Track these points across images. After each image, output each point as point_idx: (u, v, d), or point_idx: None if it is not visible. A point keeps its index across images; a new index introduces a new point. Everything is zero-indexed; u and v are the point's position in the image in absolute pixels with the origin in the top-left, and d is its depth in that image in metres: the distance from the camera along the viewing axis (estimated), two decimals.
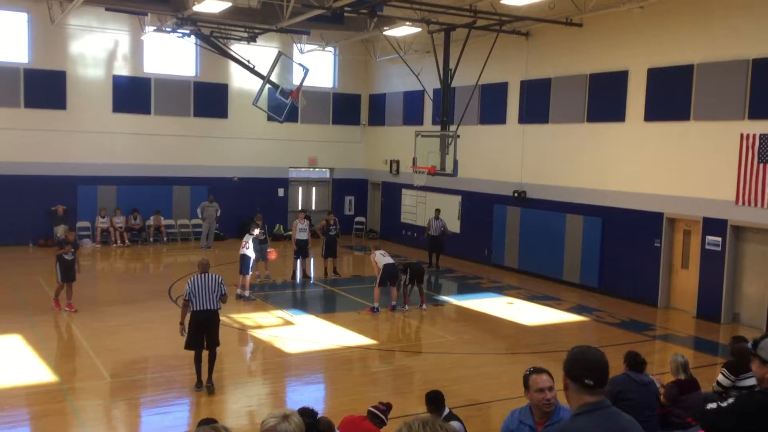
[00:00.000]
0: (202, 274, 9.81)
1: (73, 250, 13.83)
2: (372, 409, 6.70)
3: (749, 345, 3.94)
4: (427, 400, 6.99)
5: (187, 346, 9.73)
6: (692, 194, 15.20)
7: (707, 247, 14.95)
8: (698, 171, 15.07)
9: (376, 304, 14.80)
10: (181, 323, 9.87)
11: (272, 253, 16.87)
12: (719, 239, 14.70)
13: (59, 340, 12.20)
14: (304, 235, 17.93)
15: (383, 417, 6.67)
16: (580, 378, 3.13)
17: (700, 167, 15.02)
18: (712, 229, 14.82)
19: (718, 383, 8.09)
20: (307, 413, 5.56)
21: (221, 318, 10.20)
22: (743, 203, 14.13)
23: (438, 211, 21.09)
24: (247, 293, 15.50)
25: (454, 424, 6.64)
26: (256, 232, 16.00)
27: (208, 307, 9.63)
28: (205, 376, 9.75)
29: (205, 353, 9.74)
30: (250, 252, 15.58)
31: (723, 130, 14.52)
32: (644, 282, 16.27)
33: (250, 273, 15.67)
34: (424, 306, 15.28)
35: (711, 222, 14.85)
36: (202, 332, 9.66)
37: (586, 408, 3.12)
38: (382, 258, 15.08)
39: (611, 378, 7.07)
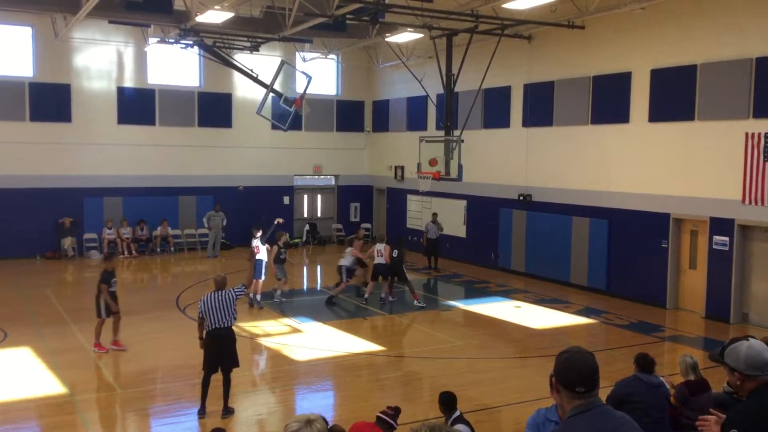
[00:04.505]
0: (217, 291, 9.36)
1: (114, 279, 12.20)
2: (380, 415, 6.68)
3: (716, 353, 3.91)
4: (440, 400, 7.04)
5: (203, 367, 9.38)
6: (698, 194, 15.16)
7: (715, 247, 14.90)
8: (704, 171, 15.03)
9: (366, 296, 16.21)
10: (200, 338, 9.42)
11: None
12: (727, 239, 14.65)
13: (68, 352, 12.21)
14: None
15: (392, 422, 6.65)
16: (572, 385, 3.17)
17: (706, 167, 14.98)
18: (720, 228, 14.77)
19: (728, 384, 8.05)
20: None
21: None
22: (750, 202, 14.08)
23: (435, 214, 21.61)
24: (258, 297, 15.53)
25: (461, 427, 6.65)
26: (259, 234, 15.93)
27: (222, 325, 9.20)
28: (219, 403, 9.24)
29: (219, 378, 9.25)
30: (262, 255, 15.59)
31: (728, 129, 14.48)
32: (652, 283, 16.21)
33: (263, 278, 15.67)
34: (416, 302, 15.93)
35: (718, 222, 14.80)
36: (217, 352, 9.22)
37: (578, 410, 3.17)
38: (375, 255, 16.14)
39: (621, 380, 7.09)
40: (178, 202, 23.92)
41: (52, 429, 9.01)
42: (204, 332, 9.34)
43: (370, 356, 12.27)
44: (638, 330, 14.16)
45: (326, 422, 5.85)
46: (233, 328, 9.46)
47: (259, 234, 15.88)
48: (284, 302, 16.13)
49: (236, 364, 9.39)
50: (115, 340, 12.18)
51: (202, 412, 9.21)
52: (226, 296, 9.33)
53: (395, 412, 6.75)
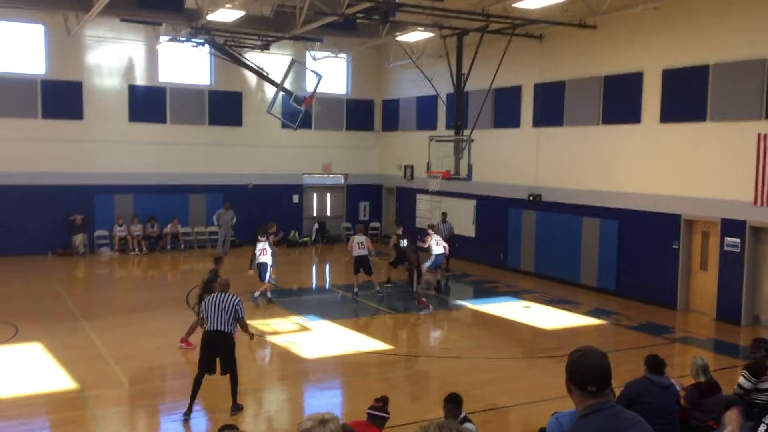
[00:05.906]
0: (220, 294, 9.35)
1: None
2: (370, 411, 6.64)
3: (764, 350, 3.88)
4: (445, 401, 7.01)
5: (198, 366, 9.24)
6: (710, 195, 15.08)
7: (726, 248, 14.81)
8: (715, 172, 14.95)
9: (355, 289, 16.28)
10: (192, 330, 9.46)
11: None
12: (738, 240, 14.56)
13: (78, 348, 12.27)
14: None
15: (383, 414, 6.62)
16: (584, 384, 3.17)
17: (718, 168, 14.89)
18: (731, 230, 14.68)
19: (739, 386, 8.01)
20: None
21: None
22: (762, 204, 13.99)
23: (444, 214, 21.14)
24: (257, 294, 15.50)
25: (470, 426, 6.64)
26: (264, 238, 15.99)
27: (219, 329, 9.11)
28: (228, 401, 9.23)
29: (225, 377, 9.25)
30: (267, 258, 15.62)
31: (740, 130, 14.39)
32: (662, 284, 16.13)
33: (268, 281, 15.70)
34: (420, 307, 15.58)
35: (729, 223, 14.71)
36: (213, 354, 9.20)
37: (590, 409, 3.17)
38: (356, 248, 16.18)
39: (631, 381, 7.07)
40: (188, 200, 24.00)
41: (62, 424, 9.07)
42: (202, 332, 9.35)
43: (379, 355, 12.27)
44: (648, 331, 14.10)
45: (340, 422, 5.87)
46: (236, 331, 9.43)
47: (264, 239, 15.92)
48: (275, 286, 16.49)
49: (230, 369, 9.23)
50: (185, 339, 12.06)
51: (187, 414, 9.04)
52: (228, 299, 9.27)
53: (383, 402, 6.71)
